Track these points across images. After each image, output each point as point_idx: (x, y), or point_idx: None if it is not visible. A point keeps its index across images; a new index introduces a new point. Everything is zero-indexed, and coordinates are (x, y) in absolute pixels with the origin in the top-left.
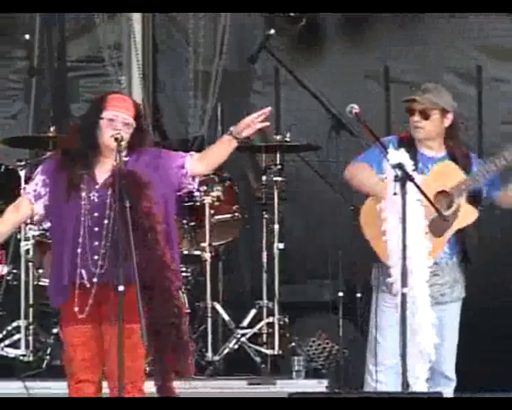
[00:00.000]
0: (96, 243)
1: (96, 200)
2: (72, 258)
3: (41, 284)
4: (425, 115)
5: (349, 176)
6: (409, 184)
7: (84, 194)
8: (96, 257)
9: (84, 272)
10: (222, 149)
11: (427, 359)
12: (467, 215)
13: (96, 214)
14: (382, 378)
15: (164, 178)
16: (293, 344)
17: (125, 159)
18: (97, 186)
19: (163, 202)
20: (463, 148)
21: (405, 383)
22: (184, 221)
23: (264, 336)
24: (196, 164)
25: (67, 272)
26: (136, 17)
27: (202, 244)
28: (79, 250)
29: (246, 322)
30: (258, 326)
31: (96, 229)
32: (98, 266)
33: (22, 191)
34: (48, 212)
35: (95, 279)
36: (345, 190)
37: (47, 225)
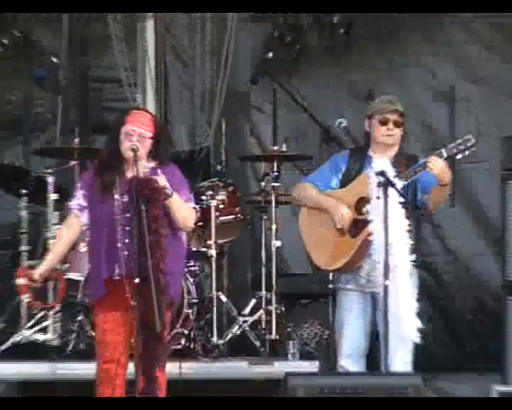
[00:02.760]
0: (128, 241)
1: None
2: (109, 253)
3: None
4: (398, 124)
5: (294, 196)
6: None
7: (116, 196)
8: (125, 253)
9: (117, 266)
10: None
11: (410, 343)
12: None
13: (127, 215)
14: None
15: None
16: (289, 330)
17: (150, 165)
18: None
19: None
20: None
21: (386, 366)
22: None
23: (263, 322)
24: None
25: (106, 267)
26: (150, 42)
27: (208, 242)
28: (119, 245)
29: (247, 310)
30: (258, 314)
31: (128, 228)
32: (128, 261)
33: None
34: (89, 217)
35: (125, 272)
36: None
37: None
